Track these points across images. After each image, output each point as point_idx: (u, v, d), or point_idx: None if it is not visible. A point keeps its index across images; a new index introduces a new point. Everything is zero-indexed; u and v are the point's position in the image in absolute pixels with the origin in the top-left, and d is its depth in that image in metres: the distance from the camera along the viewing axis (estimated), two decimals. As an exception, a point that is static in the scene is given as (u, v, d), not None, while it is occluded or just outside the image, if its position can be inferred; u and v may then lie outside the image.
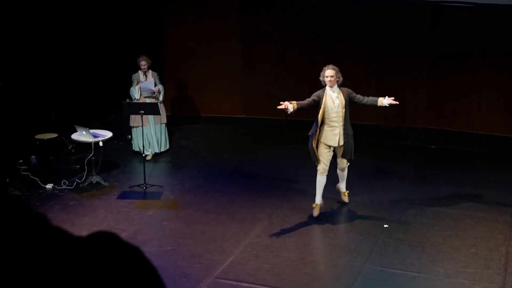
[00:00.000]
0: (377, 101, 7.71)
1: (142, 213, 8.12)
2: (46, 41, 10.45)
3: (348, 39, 11.72)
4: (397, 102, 7.70)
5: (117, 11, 11.81)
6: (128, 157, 10.12)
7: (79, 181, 8.95)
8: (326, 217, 7.91)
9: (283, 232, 7.50)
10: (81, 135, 8.98)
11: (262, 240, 7.29)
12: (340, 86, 7.65)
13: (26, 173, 9.25)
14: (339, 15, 11.79)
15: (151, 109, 9.06)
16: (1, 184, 8.90)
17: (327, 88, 7.59)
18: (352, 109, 7.85)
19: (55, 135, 10.13)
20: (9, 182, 8.98)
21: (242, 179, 9.22)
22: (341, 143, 7.65)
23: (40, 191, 8.76)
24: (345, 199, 8.25)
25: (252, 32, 12.36)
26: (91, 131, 8.99)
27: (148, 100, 9.61)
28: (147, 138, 9.92)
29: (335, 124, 7.59)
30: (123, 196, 8.62)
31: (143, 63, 9.76)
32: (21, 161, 9.62)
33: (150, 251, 6.92)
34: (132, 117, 9.76)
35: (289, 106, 7.36)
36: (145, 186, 8.73)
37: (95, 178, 8.93)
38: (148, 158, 9.90)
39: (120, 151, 10.39)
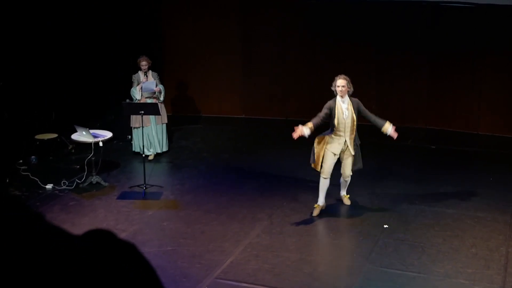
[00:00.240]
0: (382, 125, 7.82)
1: (142, 213, 8.11)
2: (46, 41, 10.45)
3: (348, 39, 11.72)
4: (396, 135, 7.85)
5: (117, 11, 11.81)
6: (128, 157, 10.12)
7: (79, 181, 8.95)
8: (326, 217, 7.91)
9: (283, 232, 7.50)
10: (81, 135, 8.97)
11: (262, 240, 7.29)
12: (350, 96, 7.71)
13: (26, 173, 9.25)
14: (339, 15, 11.79)
15: (151, 109, 9.06)
16: (1, 184, 8.89)
17: (338, 98, 7.65)
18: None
19: (55, 135, 10.13)
20: (9, 182, 8.98)
21: (242, 179, 9.22)
22: (352, 151, 7.72)
23: (40, 191, 8.76)
24: (347, 202, 8.26)
25: (252, 32, 12.36)
26: (91, 131, 8.99)
27: (149, 101, 9.60)
28: (149, 138, 9.92)
29: (342, 134, 7.68)
30: (123, 196, 8.62)
31: (144, 63, 9.74)
32: (21, 161, 9.61)
33: (150, 251, 6.92)
34: (133, 117, 9.75)
35: (305, 131, 7.44)
36: (145, 186, 8.73)
37: (95, 178, 8.93)
38: (150, 158, 9.90)
39: (120, 151, 10.39)
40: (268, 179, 9.22)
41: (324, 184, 7.83)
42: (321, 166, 7.81)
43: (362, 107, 7.69)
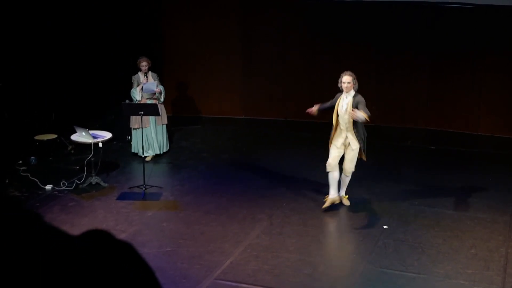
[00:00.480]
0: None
1: (142, 214, 8.11)
2: (46, 41, 10.45)
3: (348, 39, 11.72)
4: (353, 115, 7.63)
5: (117, 11, 11.81)
6: (127, 158, 10.12)
7: (79, 182, 8.94)
8: (325, 218, 7.91)
9: (283, 233, 7.50)
10: (81, 136, 8.97)
11: (262, 241, 7.29)
12: (357, 92, 7.79)
13: (26, 173, 9.24)
14: (339, 15, 11.79)
15: (150, 109, 9.05)
16: (0, 185, 8.89)
17: (343, 93, 7.81)
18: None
19: (54, 136, 10.12)
20: (9, 183, 8.97)
21: (242, 180, 9.21)
22: (353, 147, 7.82)
23: (40, 191, 8.76)
24: (346, 202, 8.26)
25: (252, 32, 12.36)
26: (91, 132, 8.98)
27: (149, 102, 9.58)
28: (147, 139, 9.90)
29: (343, 128, 7.84)
30: (122, 197, 8.62)
31: (144, 64, 9.73)
32: (20, 161, 9.61)
33: (149, 252, 6.91)
34: (132, 118, 9.75)
35: (313, 108, 8.17)
36: (144, 187, 8.72)
37: (94, 179, 8.92)
38: (148, 159, 9.88)
39: (119, 152, 10.39)
40: (268, 179, 9.22)
41: (330, 177, 7.94)
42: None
43: (360, 105, 7.64)
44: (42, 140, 9.99)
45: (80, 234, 1.12)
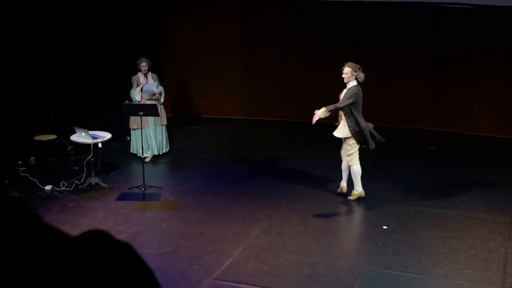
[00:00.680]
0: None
1: (141, 214, 8.11)
2: (46, 41, 10.44)
3: (349, 39, 11.72)
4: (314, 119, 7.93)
5: (117, 11, 11.81)
6: (127, 158, 10.12)
7: (78, 182, 8.94)
8: (325, 218, 7.91)
9: (282, 233, 7.50)
10: (80, 137, 8.97)
11: (261, 241, 7.28)
12: (359, 84, 8.08)
13: (25, 174, 9.24)
14: (339, 16, 11.80)
15: (150, 110, 9.04)
16: (0, 185, 8.89)
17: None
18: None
19: (54, 136, 10.12)
20: (8, 183, 8.97)
21: (241, 180, 9.22)
22: (341, 136, 8.16)
23: (39, 192, 8.75)
24: (342, 190, 8.49)
25: (252, 32, 12.36)
26: (90, 132, 8.98)
27: (148, 102, 9.57)
28: (147, 140, 9.89)
29: (342, 118, 8.14)
30: (122, 197, 8.61)
31: (144, 65, 9.71)
32: (20, 162, 9.61)
33: (149, 252, 6.91)
34: (132, 119, 9.74)
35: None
36: (144, 188, 8.72)
37: (94, 180, 8.92)
38: (147, 160, 9.88)
39: (119, 152, 10.39)
40: (267, 180, 9.22)
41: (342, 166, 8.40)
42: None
43: (343, 96, 7.99)
44: (42, 141, 9.99)
45: (79, 234, 1.12)
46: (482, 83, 11.28)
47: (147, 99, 9.67)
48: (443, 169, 9.65)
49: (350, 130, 8.01)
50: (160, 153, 10.15)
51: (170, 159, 10.22)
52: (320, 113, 7.76)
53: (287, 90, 12.42)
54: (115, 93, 10.91)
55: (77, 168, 9.48)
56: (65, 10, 10.79)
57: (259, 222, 7.80)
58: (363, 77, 8.04)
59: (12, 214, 1.04)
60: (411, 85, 11.72)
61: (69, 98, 10.94)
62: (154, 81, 9.74)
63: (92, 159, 8.87)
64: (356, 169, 8.19)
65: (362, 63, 11.59)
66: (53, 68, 10.66)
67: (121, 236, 7.39)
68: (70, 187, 8.84)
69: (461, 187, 8.86)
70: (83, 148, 9.33)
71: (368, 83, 11.57)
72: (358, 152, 8.17)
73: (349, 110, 7.96)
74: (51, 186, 8.85)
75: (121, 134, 10.50)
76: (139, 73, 9.80)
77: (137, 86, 9.70)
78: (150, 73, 9.79)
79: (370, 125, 8.22)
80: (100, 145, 8.87)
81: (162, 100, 9.78)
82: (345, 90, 8.08)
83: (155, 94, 9.66)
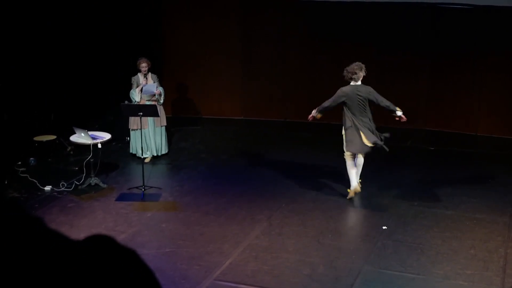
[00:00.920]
0: None
1: (141, 215, 8.10)
2: (46, 41, 10.44)
3: (349, 39, 11.73)
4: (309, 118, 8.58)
5: (117, 11, 11.81)
6: (126, 158, 10.11)
7: (78, 183, 8.94)
8: (325, 218, 7.91)
9: (282, 233, 7.50)
10: (80, 137, 8.97)
11: (261, 242, 7.28)
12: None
13: (25, 174, 9.24)
14: (339, 16, 11.80)
15: (150, 110, 9.04)
16: None
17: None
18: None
19: (53, 137, 10.12)
20: (8, 184, 8.97)
21: (241, 181, 9.22)
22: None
23: (39, 193, 8.75)
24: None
25: (252, 32, 12.36)
26: (90, 133, 8.98)
27: (148, 103, 9.56)
28: (146, 141, 9.87)
29: None
30: (122, 198, 8.61)
31: (144, 65, 9.70)
32: (19, 162, 9.60)
33: (149, 252, 6.91)
34: (131, 119, 9.73)
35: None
36: (144, 188, 8.72)
37: (93, 180, 8.92)
38: (147, 161, 9.87)
39: (118, 152, 10.39)
40: (267, 180, 9.22)
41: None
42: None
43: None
44: (42, 141, 9.99)
45: (79, 235, 1.12)
46: (482, 83, 11.28)
47: (146, 100, 9.66)
48: (443, 169, 9.66)
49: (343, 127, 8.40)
50: (159, 154, 10.15)
51: (169, 159, 10.22)
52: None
53: (287, 90, 12.42)
54: (115, 94, 10.91)
55: (76, 168, 9.48)
56: (65, 10, 10.79)
57: (258, 223, 7.80)
58: (348, 77, 8.30)
59: (12, 214, 1.04)
60: (411, 85, 11.72)
61: (69, 98, 10.94)
62: (154, 82, 9.73)
63: (91, 160, 8.87)
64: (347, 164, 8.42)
65: (362, 63, 11.63)
66: (53, 68, 10.66)
67: (120, 237, 7.39)
68: (70, 188, 8.84)
69: (460, 187, 8.86)
70: (82, 148, 9.32)
71: (368, 83, 11.58)
72: (346, 150, 8.34)
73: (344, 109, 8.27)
74: (50, 186, 8.85)
75: (121, 135, 10.50)
76: (139, 74, 9.79)
77: (137, 86, 9.68)
78: (150, 73, 9.78)
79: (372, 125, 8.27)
80: (99, 145, 8.87)
81: (161, 101, 9.77)
82: None
83: (154, 95, 9.65)
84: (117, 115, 10.16)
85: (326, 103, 8.34)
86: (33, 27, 10.16)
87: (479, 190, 8.75)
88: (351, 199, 8.40)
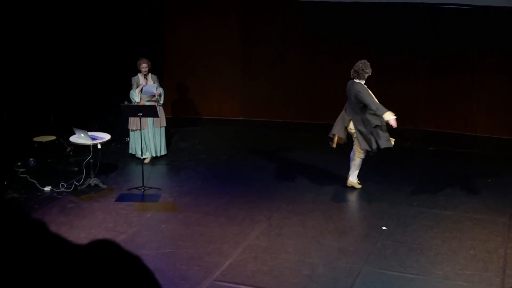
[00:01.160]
0: None
1: (141, 215, 8.10)
2: (46, 41, 10.44)
3: (348, 40, 11.73)
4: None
5: (117, 11, 11.80)
6: (126, 159, 10.11)
7: (78, 184, 8.94)
8: (324, 219, 7.91)
9: (281, 234, 7.50)
10: (79, 138, 8.97)
11: (261, 242, 7.29)
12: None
13: (24, 175, 9.23)
14: (339, 16, 11.80)
15: (149, 111, 9.04)
16: (-1, 186, 8.89)
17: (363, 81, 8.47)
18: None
19: (53, 137, 10.12)
20: (7, 185, 8.96)
21: (241, 181, 9.22)
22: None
23: (39, 193, 8.75)
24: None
25: (252, 32, 12.36)
26: (89, 133, 8.98)
27: (148, 104, 9.55)
28: (145, 141, 9.86)
29: None
30: (121, 198, 8.61)
31: (144, 66, 9.69)
32: (19, 163, 9.60)
33: (148, 253, 6.92)
34: (131, 120, 9.73)
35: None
36: (143, 189, 8.72)
37: (93, 181, 8.92)
38: (146, 161, 9.86)
39: (118, 153, 10.38)
40: (267, 181, 9.22)
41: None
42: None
43: None
44: (41, 142, 9.99)
45: (79, 235, 1.12)
46: (481, 83, 11.28)
47: (146, 101, 9.65)
48: (442, 170, 9.66)
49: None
50: (158, 155, 10.14)
51: (169, 160, 10.22)
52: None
53: (287, 91, 12.42)
54: (114, 94, 10.90)
55: (76, 169, 9.47)
56: (65, 10, 10.79)
57: (258, 223, 7.80)
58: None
59: (12, 215, 1.04)
60: (410, 86, 11.73)
61: (69, 98, 10.94)
62: (154, 83, 9.72)
63: (91, 160, 8.87)
64: None
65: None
66: (53, 68, 10.66)
67: (120, 237, 7.39)
68: (70, 188, 8.84)
69: (460, 188, 8.86)
70: (82, 149, 9.32)
71: (367, 83, 11.59)
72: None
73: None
74: (50, 187, 8.85)
75: (121, 135, 10.49)
76: (139, 74, 9.79)
77: (137, 87, 9.68)
78: (150, 74, 9.77)
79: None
80: (99, 146, 8.87)
81: (161, 102, 9.76)
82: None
83: (154, 96, 9.65)
84: (117, 115, 10.16)
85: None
86: (33, 27, 10.16)
87: (478, 191, 8.75)
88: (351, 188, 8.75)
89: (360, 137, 8.31)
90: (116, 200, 8.54)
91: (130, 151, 10.14)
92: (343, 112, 8.56)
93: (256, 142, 11.21)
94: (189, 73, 12.55)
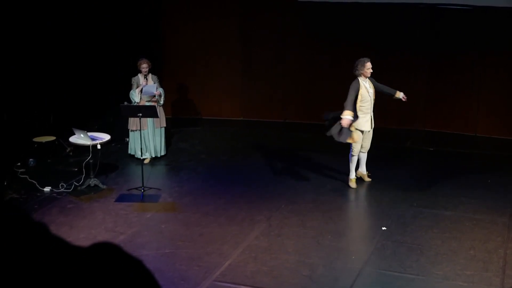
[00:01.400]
0: (394, 92, 8.86)
1: (141, 215, 8.10)
2: (46, 41, 10.44)
3: (348, 40, 11.74)
4: (405, 98, 8.83)
5: (117, 11, 11.81)
6: (126, 159, 10.11)
7: (77, 184, 8.94)
8: (324, 219, 7.91)
9: (281, 234, 7.50)
10: (79, 138, 8.97)
11: (260, 243, 7.28)
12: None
13: (24, 175, 9.24)
14: (338, 17, 11.81)
15: (149, 111, 9.03)
16: (-1, 187, 8.89)
17: (361, 79, 8.53)
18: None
19: (53, 138, 10.11)
20: (7, 185, 8.96)
21: (240, 181, 9.22)
22: (372, 127, 8.68)
23: (38, 193, 8.75)
24: (368, 179, 9.06)
25: (252, 33, 12.37)
26: (89, 133, 8.98)
27: (148, 104, 9.55)
28: (145, 142, 9.86)
29: (368, 111, 8.56)
30: (121, 198, 8.61)
31: (145, 66, 9.69)
32: (19, 163, 9.60)
33: (148, 253, 6.92)
34: (131, 120, 9.73)
35: (350, 118, 8.34)
36: (143, 189, 8.72)
37: (93, 181, 8.92)
38: (146, 162, 9.86)
39: (118, 153, 10.38)
40: (266, 181, 9.22)
41: (355, 160, 8.82)
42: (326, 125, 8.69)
43: (376, 83, 8.73)
44: (41, 142, 9.99)
45: (79, 236, 1.12)
46: (481, 83, 11.29)
47: (146, 101, 9.65)
48: (442, 170, 9.66)
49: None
50: (158, 156, 10.14)
51: (169, 160, 10.22)
52: (403, 96, 8.75)
53: (287, 91, 12.43)
54: (114, 94, 10.91)
55: (76, 169, 9.48)
56: (65, 10, 10.79)
57: (258, 223, 7.80)
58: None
59: (11, 215, 1.04)
60: (410, 86, 11.71)
61: (69, 98, 10.94)
62: (154, 83, 9.72)
63: (91, 161, 8.87)
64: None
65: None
66: (53, 68, 10.66)
67: (120, 238, 7.39)
68: (69, 189, 8.84)
69: (460, 188, 8.86)
70: (82, 149, 9.32)
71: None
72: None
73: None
74: (50, 187, 8.85)
75: (120, 136, 10.49)
76: (139, 75, 9.79)
77: (137, 87, 9.68)
78: (150, 74, 9.77)
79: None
80: (99, 146, 8.87)
81: (161, 102, 9.76)
82: (366, 85, 8.57)
83: (154, 96, 9.65)
84: (116, 115, 10.16)
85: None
86: (33, 27, 10.16)
87: (478, 191, 8.75)
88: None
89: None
90: (116, 201, 8.54)
91: (129, 152, 10.14)
92: None
93: (256, 142, 11.21)
94: (189, 73, 12.55)
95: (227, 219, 7.95)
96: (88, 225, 7.75)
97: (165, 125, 10.10)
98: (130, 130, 9.94)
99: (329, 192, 8.78)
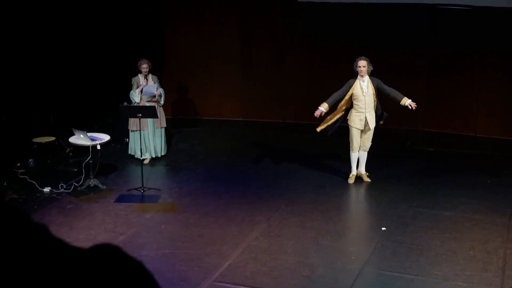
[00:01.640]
0: (401, 98, 8.80)
1: (140, 216, 8.10)
2: (46, 41, 10.44)
3: (348, 40, 11.73)
4: (415, 106, 8.79)
5: (117, 11, 11.81)
6: (125, 160, 10.11)
7: (77, 184, 8.93)
8: (324, 219, 7.91)
9: (281, 235, 7.50)
10: (79, 138, 8.96)
11: (260, 243, 7.28)
12: (370, 75, 8.71)
13: (24, 176, 9.23)
14: (338, 17, 11.80)
15: (149, 112, 9.03)
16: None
17: (359, 77, 8.66)
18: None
19: (52, 138, 10.11)
20: (7, 185, 8.96)
21: (240, 182, 9.22)
22: (370, 127, 8.71)
23: (38, 194, 8.74)
24: (367, 179, 9.05)
25: (251, 33, 12.37)
26: (89, 134, 8.98)
27: (148, 104, 9.55)
28: (145, 142, 9.86)
29: (362, 110, 8.65)
30: (121, 199, 8.61)
31: (145, 66, 9.69)
32: (18, 164, 9.60)
33: (148, 254, 6.91)
34: (131, 120, 9.73)
35: (321, 109, 8.56)
36: (143, 189, 8.72)
37: (92, 181, 8.91)
38: (146, 162, 9.86)
39: (118, 154, 10.38)
40: (266, 182, 9.22)
41: (354, 156, 8.95)
42: (327, 129, 8.84)
43: (382, 84, 8.75)
44: (41, 143, 9.99)
45: (79, 236, 1.12)
46: (481, 84, 11.29)
47: (146, 101, 9.65)
48: (442, 170, 9.66)
49: (376, 116, 8.78)
50: (159, 156, 10.14)
51: (169, 160, 10.22)
52: (410, 103, 8.73)
53: (287, 92, 12.43)
54: (114, 94, 10.90)
55: (75, 170, 9.47)
56: (65, 10, 10.79)
57: (257, 224, 7.80)
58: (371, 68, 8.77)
59: (11, 216, 1.04)
60: (410, 86, 11.70)
61: (68, 98, 10.93)
62: (154, 83, 9.71)
63: (90, 161, 8.87)
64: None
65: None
66: (53, 68, 10.65)
67: (119, 238, 7.39)
68: (69, 189, 8.84)
69: (459, 189, 8.86)
70: (81, 150, 9.32)
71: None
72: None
73: (376, 101, 8.71)
74: (49, 188, 8.85)
75: (120, 136, 10.49)
76: (139, 75, 9.78)
77: (137, 87, 9.67)
78: (150, 75, 9.77)
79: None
80: (98, 147, 8.87)
81: (162, 103, 9.76)
82: (362, 84, 8.64)
83: (155, 96, 9.65)
84: (116, 116, 10.15)
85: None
86: (33, 27, 10.15)
87: (478, 191, 8.75)
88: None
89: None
90: (115, 201, 8.54)
91: (129, 152, 10.14)
92: None
93: (256, 142, 11.21)
94: (189, 73, 12.55)
95: (226, 219, 7.94)
96: (88, 225, 7.75)
97: (165, 126, 10.09)
98: (130, 131, 9.94)
99: (329, 192, 8.78)
